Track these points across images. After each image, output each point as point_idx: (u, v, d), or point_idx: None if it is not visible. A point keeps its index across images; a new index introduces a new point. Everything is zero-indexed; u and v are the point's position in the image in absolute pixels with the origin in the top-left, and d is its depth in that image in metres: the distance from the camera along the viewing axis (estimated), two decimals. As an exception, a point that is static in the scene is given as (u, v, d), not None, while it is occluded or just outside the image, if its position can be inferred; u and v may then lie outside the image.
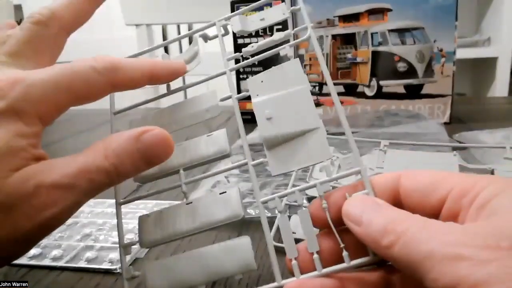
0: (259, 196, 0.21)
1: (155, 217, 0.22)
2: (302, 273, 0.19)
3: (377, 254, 0.17)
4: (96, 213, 0.35)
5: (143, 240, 0.22)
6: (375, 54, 0.58)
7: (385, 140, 0.37)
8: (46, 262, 0.28)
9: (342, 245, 0.18)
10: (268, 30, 0.60)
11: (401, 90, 0.59)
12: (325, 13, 0.58)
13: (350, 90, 0.59)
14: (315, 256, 0.19)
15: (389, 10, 0.56)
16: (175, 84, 0.26)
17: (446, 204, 0.17)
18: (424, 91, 0.58)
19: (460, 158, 0.35)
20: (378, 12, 0.57)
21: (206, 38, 0.26)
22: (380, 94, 0.59)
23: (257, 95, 0.22)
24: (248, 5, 0.27)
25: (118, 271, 0.26)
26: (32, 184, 0.18)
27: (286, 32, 0.24)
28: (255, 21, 0.26)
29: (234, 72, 0.64)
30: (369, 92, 0.59)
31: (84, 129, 0.71)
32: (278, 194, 0.20)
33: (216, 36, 0.26)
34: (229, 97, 0.24)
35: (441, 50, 0.56)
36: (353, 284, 0.18)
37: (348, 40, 0.59)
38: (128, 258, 0.27)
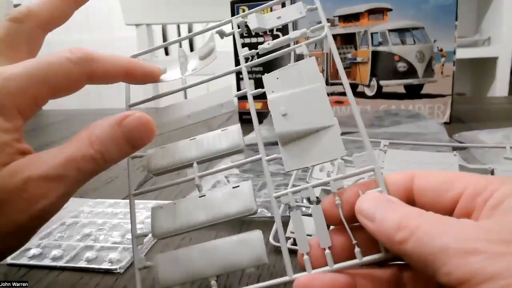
0: (272, 191, 0.21)
1: (168, 208, 0.22)
2: (313, 268, 0.19)
3: (389, 250, 0.18)
4: (96, 213, 0.35)
5: (156, 231, 0.22)
6: (375, 54, 0.58)
7: (385, 140, 0.37)
8: (46, 262, 0.28)
9: (354, 242, 0.18)
10: (268, 30, 0.60)
11: (401, 90, 0.59)
12: (325, 13, 0.58)
13: (352, 90, 0.59)
14: (327, 251, 0.19)
15: (389, 10, 0.56)
16: (190, 80, 0.26)
17: (459, 203, 0.17)
18: (424, 91, 0.58)
19: (460, 158, 0.35)
20: (378, 12, 0.57)
21: (222, 34, 0.26)
22: (380, 94, 0.59)
23: (272, 91, 0.23)
24: (248, 5, 0.27)
25: (118, 271, 0.26)
26: (21, 178, 0.18)
27: (302, 30, 0.24)
28: (271, 19, 0.26)
29: (234, 73, 0.64)
30: (369, 92, 0.59)
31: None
32: (292, 189, 0.21)
33: (232, 33, 0.26)
34: (245, 93, 0.24)
35: (441, 50, 0.56)
36: (364, 280, 0.18)
37: (348, 40, 0.59)
38: (128, 258, 0.27)
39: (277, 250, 0.27)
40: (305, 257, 0.19)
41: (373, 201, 0.18)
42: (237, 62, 0.26)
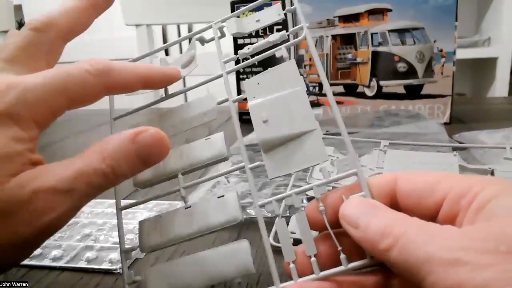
0: (257, 200, 0.21)
1: (154, 222, 0.22)
2: (300, 276, 0.19)
3: (374, 257, 0.17)
4: (96, 213, 0.35)
5: (143, 245, 0.22)
6: (375, 54, 0.58)
7: (385, 140, 0.37)
8: (46, 262, 0.28)
9: (339, 248, 0.18)
10: (268, 30, 0.60)
11: (401, 90, 0.59)
12: (325, 13, 0.58)
13: (350, 91, 0.60)
14: (313, 259, 0.19)
15: (389, 10, 0.56)
16: (175, 87, 0.26)
17: (444, 206, 0.17)
18: (424, 91, 0.58)
19: (460, 158, 0.35)
20: (378, 12, 0.57)
21: (203, 41, 0.26)
22: (380, 94, 0.59)
23: (254, 97, 0.22)
24: (248, 5, 0.27)
25: (118, 271, 0.27)
26: (30, 189, 0.18)
27: (281, 33, 0.24)
28: (250, 22, 0.26)
29: (234, 73, 0.64)
30: (369, 92, 0.59)
31: (84, 130, 0.71)
32: (275, 197, 0.20)
33: (212, 39, 0.26)
34: (226, 100, 0.24)
35: (441, 50, 0.56)
36: (351, 287, 0.18)
37: (348, 40, 0.59)
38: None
39: (276, 251, 0.27)
40: (291, 265, 0.19)
41: (356, 206, 0.18)
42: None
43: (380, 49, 0.58)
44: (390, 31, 0.57)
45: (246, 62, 0.24)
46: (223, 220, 0.21)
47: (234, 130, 0.23)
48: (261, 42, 0.24)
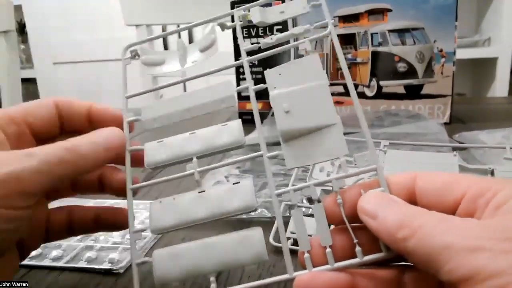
0: (274, 188, 0.21)
1: (167, 203, 0.22)
2: (314, 267, 0.19)
3: (390, 250, 0.18)
4: (96, 213, 0.35)
5: (154, 226, 0.21)
6: (375, 55, 0.58)
7: (385, 140, 0.37)
8: (46, 262, 0.28)
9: (355, 240, 0.18)
10: (268, 30, 0.60)
11: (401, 90, 0.59)
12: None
13: (350, 90, 0.60)
14: (328, 250, 0.19)
15: (389, 10, 0.56)
16: (190, 73, 0.26)
17: (461, 204, 0.17)
18: (424, 91, 0.58)
19: (460, 158, 0.35)
20: (378, 13, 0.57)
21: (223, 26, 0.26)
22: (380, 94, 0.59)
23: (275, 87, 0.22)
24: (247, 4, 0.27)
25: (118, 271, 0.27)
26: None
27: (305, 26, 0.24)
28: (274, 13, 0.26)
29: (234, 74, 0.64)
30: (369, 92, 0.59)
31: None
32: (293, 187, 0.21)
33: (233, 26, 0.26)
34: (246, 88, 0.23)
35: (441, 50, 0.56)
36: (365, 280, 0.18)
37: (348, 40, 0.59)
38: (128, 258, 0.27)
39: (276, 250, 0.27)
40: (306, 255, 0.19)
41: (375, 199, 0.18)
42: (248, 54, 0.26)
43: (380, 49, 0.58)
44: (390, 31, 0.57)
45: (267, 52, 0.24)
46: (237, 206, 0.21)
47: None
48: (284, 33, 0.24)
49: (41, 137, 0.24)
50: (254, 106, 0.23)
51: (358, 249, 0.18)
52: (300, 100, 0.22)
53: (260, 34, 0.61)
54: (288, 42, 0.24)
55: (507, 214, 0.15)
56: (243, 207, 0.21)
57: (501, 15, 1.33)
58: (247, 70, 0.24)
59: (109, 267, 0.27)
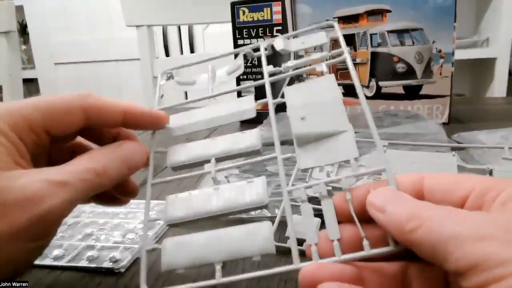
0: (285, 185, 0.22)
1: (183, 197, 0.23)
2: (320, 259, 0.19)
3: (397, 244, 0.18)
4: (98, 212, 0.35)
5: (168, 217, 0.23)
6: (374, 55, 0.58)
7: (384, 141, 0.38)
8: (47, 261, 0.28)
9: (363, 235, 0.19)
10: (268, 31, 0.61)
11: (400, 90, 0.59)
12: (324, 14, 0.59)
13: (350, 91, 0.60)
14: (335, 243, 0.19)
15: (388, 11, 0.57)
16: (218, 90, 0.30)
17: (468, 201, 0.17)
18: (423, 91, 0.58)
19: (459, 158, 0.35)
20: (377, 13, 0.57)
21: (250, 55, 0.31)
22: (379, 95, 0.59)
23: (293, 100, 0.25)
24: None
25: (120, 270, 0.27)
26: (24, 180, 0.19)
27: (323, 53, 0.28)
28: (296, 43, 0.30)
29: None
30: (368, 92, 0.60)
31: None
32: (304, 184, 0.21)
33: (259, 55, 0.30)
34: (266, 102, 0.26)
35: (439, 51, 0.57)
36: (371, 274, 0.18)
37: (348, 41, 0.59)
38: (129, 257, 0.28)
39: (277, 251, 0.27)
40: (313, 247, 0.19)
41: (384, 194, 0.18)
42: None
43: (379, 49, 0.58)
44: (389, 31, 0.57)
45: (287, 73, 0.28)
46: (250, 201, 0.22)
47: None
48: (303, 59, 0.28)
49: (59, 139, 0.24)
50: (273, 118, 0.25)
51: (365, 242, 0.19)
52: (315, 109, 0.24)
53: (260, 34, 0.61)
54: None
55: None
56: (255, 202, 0.22)
57: (499, 16, 1.33)
58: (268, 88, 0.27)
59: (110, 266, 0.27)
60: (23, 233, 0.18)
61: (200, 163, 0.25)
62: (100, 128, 0.25)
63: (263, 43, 0.30)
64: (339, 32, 0.28)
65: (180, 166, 0.25)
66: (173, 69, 0.32)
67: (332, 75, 0.25)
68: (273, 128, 0.24)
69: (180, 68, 0.32)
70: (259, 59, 0.30)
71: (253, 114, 0.26)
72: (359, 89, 0.24)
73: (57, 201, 0.19)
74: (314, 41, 0.29)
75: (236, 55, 0.32)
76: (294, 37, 0.31)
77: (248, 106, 0.27)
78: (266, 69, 0.28)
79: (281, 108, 0.25)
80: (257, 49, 0.31)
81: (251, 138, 0.25)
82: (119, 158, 0.22)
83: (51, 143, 0.23)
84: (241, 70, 0.31)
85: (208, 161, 0.24)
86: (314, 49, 0.60)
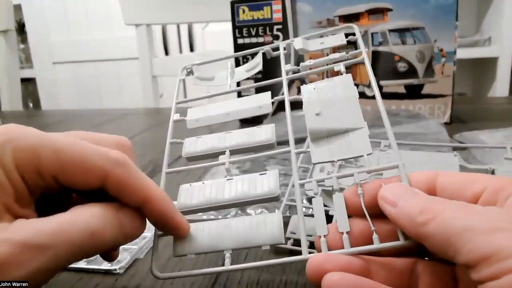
0: (297, 179, 0.22)
1: (196, 186, 0.24)
2: (329, 250, 0.19)
3: (407, 238, 0.18)
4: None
5: (181, 205, 0.23)
6: (375, 54, 0.58)
7: (385, 140, 0.37)
8: (46, 262, 0.28)
9: (373, 228, 0.19)
10: (268, 30, 0.60)
11: (402, 90, 0.58)
12: (325, 13, 0.58)
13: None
14: (345, 235, 0.19)
15: (390, 10, 0.56)
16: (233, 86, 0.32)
17: (482, 198, 0.17)
18: (425, 91, 0.58)
19: (461, 158, 0.35)
20: (378, 12, 0.57)
21: (269, 54, 0.31)
22: (380, 94, 0.59)
23: (308, 97, 0.25)
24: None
25: (118, 271, 0.26)
26: None
27: (341, 53, 0.28)
28: (315, 43, 0.30)
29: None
30: (369, 92, 0.59)
31: (86, 129, 0.70)
32: (316, 178, 0.22)
33: (278, 54, 0.31)
34: (283, 99, 0.26)
35: (441, 50, 0.56)
36: (379, 268, 0.18)
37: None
38: (128, 258, 0.27)
39: (276, 251, 0.27)
40: (322, 238, 0.19)
41: (396, 189, 0.18)
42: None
43: (381, 48, 0.58)
44: (391, 30, 0.57)
45: (306, 71, 0.28)
46: (262, 192, 0.22)
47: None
48: (322, 58, 0.28)
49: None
50: (288, 116, 0.25)
51: (375, 235, 0.18)
52: (331, 106, 0.24)
53: (260, 33, 0.61)
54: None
55: None
56: (266, 192, 0.22)
57: (501, 15, 1.33)
58: (285, 86, 0.28)
59: (109, 267, 0.27)
60: None
61: (214, 155, 0.25)
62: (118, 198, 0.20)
63: (282, 43, 0.31)
64: (358, 33, 0.28)
65: (195, 157, 0.26)
66: (193, 65, 0.33)
67: (349, 75, 0.25)
68: (288, 124, 0.25)
69: (201, 64, 0.33)
70: (265, 59, 0.31)
71: (269, 109, 0.27)
72: (376, 89, 0.25)
73: (28, 270, 0.16)
74: (333, 41, 0.29)
75: (255, 54, 0.33)
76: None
77: (264, 101, 0.27)
78: (284, 67, 0.29)
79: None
80: (276, 49, 0.31)
81: (266, 132, 0.25)
82: (119, 223, 0.19)
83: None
84: (259, 67, 0.31)
85: (222, 153, 0.25)
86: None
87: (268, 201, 0.22)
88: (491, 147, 0.39)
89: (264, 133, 0.25)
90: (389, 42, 0.57)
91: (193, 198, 0.23)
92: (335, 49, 0.50)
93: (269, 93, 0.27)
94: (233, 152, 0.25)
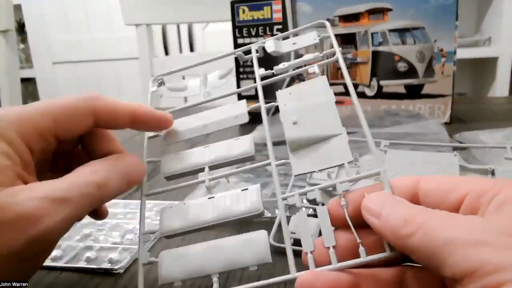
0: (280, 193, 0.22)
1: (178, 208, 0.23)
2: (317, 267, 0.19)
3: (393, 249, 0.18)
4: (96, 213, 0.35)
5: (164, 229, 0.22)
6: (375, 54, 0.58)
7: (385, 140, 0.37)
8: (46, 262, 0.27)
9: (358, 240, 0.18)
10: (268, 30, 0.60)
11: (402, 90, 0.58)
12: (325, 13, 0.58)
13: (350, 90, 0.59)
14: (331, 250, 0.19)
15: (390, 10, 0.56)
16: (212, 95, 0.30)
17: (464, 203, 0.17)
18: (425, 91, 0.58)
19: (461, 158, 0.35)
20: (378, 12, 0.57)
21: (241, 59, 0.30)
22: (380, 94, 0.59)
23: (285, 104, 0.24)
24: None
25: (118, 271, 0.26)
26: (23, 197, 0.18)
27: (315, 54, 0.27)
28: (287, 44, 0.29)
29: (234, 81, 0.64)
30: (369, 92, 0.59)
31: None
32: (299, 191, 0.21)
33: (250, 58, 0.30)
34: (259, 107, 0.26)
35: (441, 50, 0.56)
36: (368, 280, 0.18)
37: (349, 40, 0.59)
38: (128, 258, 0.27)
39: (276, 251, 0.27)
40: (309, 255, 0.19)
41: (379, 198, 0.18)
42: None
43: (381, 48, 0.58)
44: (391, 30, 0.57)
45: (279, 76, 0.27)
46: (244, 210, 0.21)
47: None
48: (296, 60, 0.27)
49: (67, 143, 0.23)
50: (265, 123, 0.25)
51: (361, 249, 0.18)
52: (308, 113, 0.23)
53: (260, 33, 0.61)
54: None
55: (509, 212, 0.15)
56: (249, 210, 0.21)
57: (501, 15, 1.33)
58: (260, 91, 0.27)
59: (109, 267, 0.27)
60: (19, 254, 0.18)
61: (194, 171, 0.25)
62: (109, 128, 0.25)
63: (254, 46, 0.30)
64: (330, 31, 0.27)
65: (174, 176, 0.25)
66: (164, 75, 0.31)
67: (324, 77, 0.25)
68: (266, 133, 0.24)
69: (171, 73, 0.31)
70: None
71: (245, 119, 0.26)
72: (351, 88, 0.24)
73: (56, 219, 0.18)
74: (305, 41, 0.28)
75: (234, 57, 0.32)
76: (283, 38, 0.30)
77: (240, 111, 0.26)
78: (258, 72, 0.28)
79: (277, 109, 0.25)
80: (248, 52, 0.30)
81: (244, 144, 0.24)
82: (119, 172, 0.22)
83: (57, 148, 0.23)
84: (232, 73, 0.32)
85: (202, 170, 0.24)
86: (315, 47, 0.60)
87: (252, 218, 0.22)
88: (491, 147, 0.39)
89: (242, 145, 0.24)
90: (389, 42, 0.57)
91: (176, 221, 0.22)
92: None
93: (244, 102, 0.27)
94: (213, 167, 0.24)
